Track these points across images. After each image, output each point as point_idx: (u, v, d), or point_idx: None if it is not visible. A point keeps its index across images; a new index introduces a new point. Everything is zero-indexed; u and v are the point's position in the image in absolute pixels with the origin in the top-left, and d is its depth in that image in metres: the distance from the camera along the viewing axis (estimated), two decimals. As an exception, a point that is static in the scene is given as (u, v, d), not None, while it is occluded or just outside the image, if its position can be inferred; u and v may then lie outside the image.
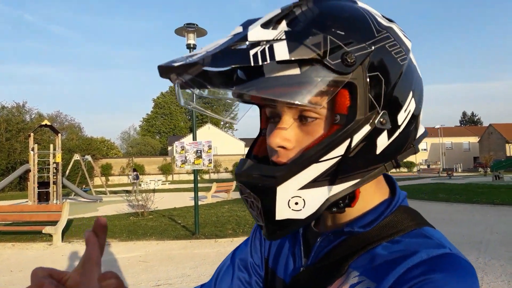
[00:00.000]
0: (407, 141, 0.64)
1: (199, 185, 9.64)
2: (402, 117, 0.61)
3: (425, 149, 69.66)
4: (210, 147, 9.82)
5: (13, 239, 9.25)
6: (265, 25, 0.55)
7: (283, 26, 0.55)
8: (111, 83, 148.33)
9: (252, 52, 0.52)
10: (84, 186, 26.77)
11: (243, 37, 0.54)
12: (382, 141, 0.60)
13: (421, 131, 0.68)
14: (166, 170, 51.40)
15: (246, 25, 0.58)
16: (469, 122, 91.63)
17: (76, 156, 25.33)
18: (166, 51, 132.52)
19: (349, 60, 0.54)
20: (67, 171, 25.51)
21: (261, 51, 0.52)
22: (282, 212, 0.59)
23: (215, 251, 7.73)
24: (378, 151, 0.60)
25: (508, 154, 55.56)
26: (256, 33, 0.54)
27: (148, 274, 6.20)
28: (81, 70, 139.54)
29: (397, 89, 0.60)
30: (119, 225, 10.99)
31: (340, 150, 0.57)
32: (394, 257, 0.58)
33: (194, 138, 9.72)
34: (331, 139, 0.57)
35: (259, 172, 0.60)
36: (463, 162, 64.90)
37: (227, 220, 11.27)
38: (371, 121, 0.58)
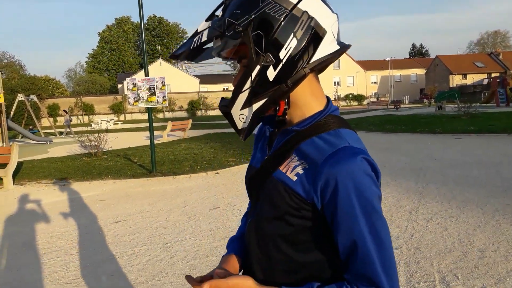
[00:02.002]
0: (295, 68, 0.90)
1: (154, 124, 9.53)
2: (283, 54, 0.88)
3: (375, 82, 71.41)
4: (163, 84, 9.59)
5: (-41, 184, 8.94)
6: (207, 20, 0.97)
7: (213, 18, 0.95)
8: (52, 16, 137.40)
9: (195, 39, 0.93)
10: (31, 127, 25.60)
11: (196, 30, 0.95)
12: (271, 72, 0.90)
13: (319, 55, 0.91)
14: (117, 109, 49.84)
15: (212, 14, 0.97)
16: (418, 54, 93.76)
17: (20, 96, 23.89)
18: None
19: (236, 29, 0.88)
20: (12, 113, 24.19)
21: (197, 38, 0.93)
22: (239, 124, 0.98)
23: (174, 187, 7.89)
24: (271, 79, 0.90)
25: (451, 85, 58.25)
26: (201, 26, 0.95)
27: (106, 211, 6.29)
28: (16, 1, 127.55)
29: (277, 36, 0.88)
30: (73, 166, 10.82)
31: (248, 83, 0.92)
32: (319, 148, 0.90)
33: (146, 74, 9.42)
34: (242, 78, 0.94)
35: (223, 103, 1.02)
36: (410, 94, 67.47)
37: (184, 157, 11.37)
38: (259, 62, 0.89)
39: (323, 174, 0.85)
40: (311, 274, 0.94)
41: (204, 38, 0.91)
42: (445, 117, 20.94)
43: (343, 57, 68.27)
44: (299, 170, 0.90)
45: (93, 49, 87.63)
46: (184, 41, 1.04)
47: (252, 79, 0.91)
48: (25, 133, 20.11)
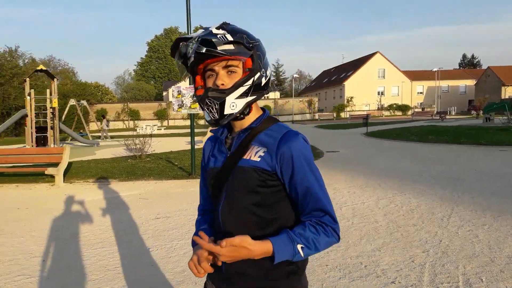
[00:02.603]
0: (268, 85, 1.33)
1: (195, 130, 9.97)
2: (268, 73, 1.33)
3: (421, 92, 69.50)
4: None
5: (16, 181, 9.71)
6: (215, 28, 1.24)
7: (222, 30, 1.24)
8: (103, 26, 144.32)
9: (218, 35, 1.21)
10: (81, 131, 27.04)
11: (211, 31, 1.22)
12: (263, 81, 1.30)
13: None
14: (161, 115, 51.51)
15: (206, 28, 1.25)
16: (469, 65, 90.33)
17: (72, 101, 25.38)
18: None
19: (250, 45, 1.26)
20: (63, 116, 25.70)
21: (222, 36, 1.21)
22: (227, 109, 1.26)
23: (210, 189, 8.20)
24: (262, 85, 1.30)
25: (503, 97, 55.73)
26: (216, 31, 1.23)
27: (148, 209, 6.68)
28: (70, 12, 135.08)
29: (265, 61, 1.33)
30: (118, 167, 11.44)
31: (250, 82, 1.27)
32: (272, 136, 1.29)
33: (191, 83, 9.92)
34: (247, 76, 1.27)
35: (218, 91, 1.26)
36: (458, 105, 65.09)
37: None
38: (260, 71, 1.29)
39: (280, 150, 1.25)
40: (277, 226, 1.29)
41: (230, 39, 1.20)
42: (492, 129, 20.19)
43: (388, 67, 67.13)
44: (260, 153, 1.27)
45: (141, 58, 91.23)
46: (191, 35, 1.25)
47: (254, 80, 1.27)
48: (74, 135, 21.27)
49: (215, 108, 1.25)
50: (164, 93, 69.96)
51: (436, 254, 4.12)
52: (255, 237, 1.19)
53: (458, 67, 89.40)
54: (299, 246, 1.19)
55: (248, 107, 1.30)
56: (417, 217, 5.55)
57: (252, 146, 1.30)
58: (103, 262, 4.33)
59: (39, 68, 18.79)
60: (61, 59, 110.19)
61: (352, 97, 63.77)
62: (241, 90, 1.25)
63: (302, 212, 1.29)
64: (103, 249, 4.76)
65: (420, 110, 57.81)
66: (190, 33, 8.38)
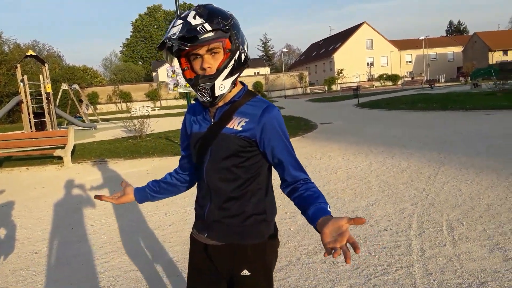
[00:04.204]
0: (248, 57, 1.50)
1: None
2: (246, 47, 1.48)
3: (409, 61, 69.84)
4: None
5: (24, 164, 10.08)
6: (192, 18, 1.36)
7: (199, 18, 1.36)
8: (84, 7, 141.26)
9: (198, 28, 1.33)
10: (77, 114, 27.19)
11: (190, 23, 1.34)
12: (242, 57, 1.45)
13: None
14: (153, 96, 51.49)
15: (184, 18, 1.37)
16: (455, 32, 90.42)
17: (64, 86, 25.46)
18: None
19: (227, 28, 1.37)
20: (57, 101, 25.79)
21: (201, 27, 1.33)
22: (217, 91, 1.43)
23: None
24: (242, 60, 1.46)
25: (490, 63, 56.26)
26: (194, 21, 1.34)
27: (156, 183, 7.13)
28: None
29: (241, 36, 1.46)
30: (121, 146, 11.84)
31: (232, 62, 1.42)
32: (253, 106, 1.50)
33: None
34: (228, 59, 1.41)
35: (207, 78, 1.42)
36: (446, 73, 65.65)
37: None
38: (238, 50, 1.43)
39: (262, 120, 1.47)
40: (252, 183, 1.55)
41: (209, 28, 1.33)
42: (479, 95, 20.75)
43: (376, 37, 67.14)
44: (242, 123, 1.48)
45: (126, 39, 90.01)
46: (173, 30, 1.37)
47: (235, 59, 1.43)
48: (71, 119, 21.44)
49: (207, 92, 1.42)
50: (154, 74, 69.58)
51: (423, 206, 4.66)
52: (232, 191, 1.52)
53: (445, 34, 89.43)
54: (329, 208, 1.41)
55: (233, 83, 1.47)
56: (406, 177, 6.08)
57: (234, 117, 1.49)
58: (129, 225, 4.81)
59: (28, 53, 18.75)
60: (46, 43, 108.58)
61: (342, 70, 64.00)
62: (226, 71, 1.42)
63: (286, 174, 1.53)
64: (124, 216, 5.23)
65: (409, 79, 58.30)
66: (177, 10, 8.49)
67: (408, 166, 6.72)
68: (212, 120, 1.54)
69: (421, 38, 60.83)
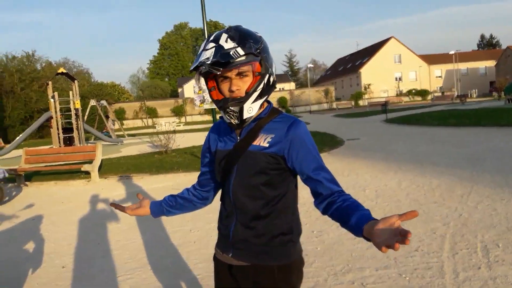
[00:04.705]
0: (275, 80, 1.50)
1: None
2: (274, 69, 1.49)
3: (439, 76, 68.50)
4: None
5: (53, 178, 10.31)
6: (225, 42, 1.36)
7: (231, 41, 1.37)
8: (113, 25, 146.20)
9: (231, 52, 1.33)
10: (104, 130, 27.81)
11: (223, 47, 1.35)
12: (271, 80, 1.46)
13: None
14: (178, 112, 52.28)
15: (216, 41, 1.38)
16: (488, 46, 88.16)
17: (92, 102, 26.14)
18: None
19: (258, 51, 1.39)
20: (85, 117, 26.48)
21: (234, 52, 1.33)
22: (246, 114, 1.43)
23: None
24: (271, 83, 1.47)
25: (524, 77, 54.50)
26: (227, 45, 1.35)
27: (181, 198, 7.13)
28: (79, 13, 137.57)
29: (270, 59, 1.47)
30: (147, 162, 11.98)
31: (261, 85, 1.43)
32: (279, 123, 1.49)
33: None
34: (258, 82, 1.42)
35: (236, 101, 1.41)
36: (478, 88, 63.89)
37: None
38: (268, 73, 1.44)
39: (289, 135, 1.45)
40: (279, 201, 1.53)
41: (242, 53, 1.33)
42: (513, 110, 20.04)
43: (404, 51, 66.40)
44: (269, 139, 1.46)
45: (153, 56, 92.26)
46: (205, 53, 1.37)
47: (264, 83, 1.43)
48: (98, 134, 21.89)
49: (235, 115, 1.41)
50: (179, 90, 70.70)
51: (456, 226, 4.45)
52: (259, 209, 1.50)
53: (476, 48, 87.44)
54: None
55: (261, 106, 1.47)
56: (437, 195, 5.85)
57: (261, 135, 1.48)
58: (153, 240, 4.80)
59: (60, 71, 19.43)
60: (75, 60, 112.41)
61: (369, 84, 63.37)
62: (255, 94, 1.41)
63: (320, 187, 1.47)
64: (149, 231, 5.23)
65: (439, 94, 57.14)
66: (205, 28, 8.56)
67: (439, 185, 6.49)
68: (238, 138, 1.53)
69: (451, 52, 59.68)
